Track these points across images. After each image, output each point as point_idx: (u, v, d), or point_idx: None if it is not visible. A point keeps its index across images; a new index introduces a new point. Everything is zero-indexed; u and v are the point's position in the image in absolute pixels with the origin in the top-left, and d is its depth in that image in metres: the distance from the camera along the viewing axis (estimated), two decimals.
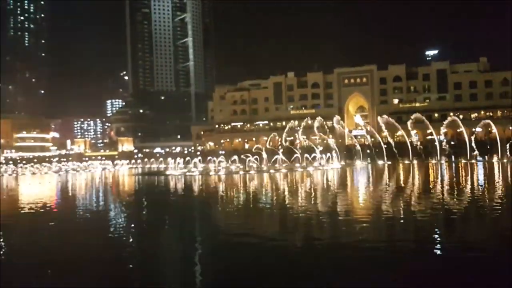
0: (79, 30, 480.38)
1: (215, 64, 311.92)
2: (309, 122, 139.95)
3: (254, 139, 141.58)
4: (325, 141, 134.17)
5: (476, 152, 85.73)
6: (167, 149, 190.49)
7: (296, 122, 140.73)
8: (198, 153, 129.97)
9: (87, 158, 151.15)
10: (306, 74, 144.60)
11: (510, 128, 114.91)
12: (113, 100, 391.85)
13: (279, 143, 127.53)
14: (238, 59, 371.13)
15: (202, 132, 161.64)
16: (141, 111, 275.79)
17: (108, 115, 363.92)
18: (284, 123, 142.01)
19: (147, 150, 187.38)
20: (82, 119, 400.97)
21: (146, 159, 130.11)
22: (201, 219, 27.07)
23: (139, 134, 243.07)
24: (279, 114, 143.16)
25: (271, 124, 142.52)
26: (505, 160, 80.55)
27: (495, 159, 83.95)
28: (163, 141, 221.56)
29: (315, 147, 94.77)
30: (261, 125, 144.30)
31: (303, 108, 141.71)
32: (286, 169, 71.47)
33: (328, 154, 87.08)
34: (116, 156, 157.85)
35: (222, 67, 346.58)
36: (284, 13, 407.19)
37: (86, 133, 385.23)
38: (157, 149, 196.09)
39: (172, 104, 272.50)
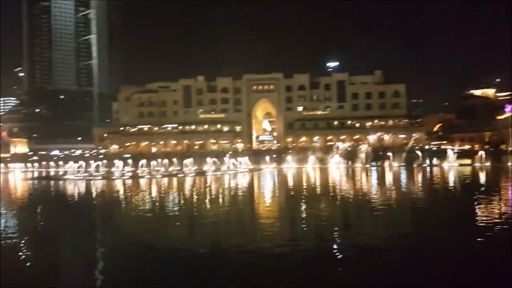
0: None
1: (122, 64, 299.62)
2: (218, 126, 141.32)
3: (162, 142, 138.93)
4: (233, 146, 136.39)
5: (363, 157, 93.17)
6: (66, 152, 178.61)
7: (206, 126, 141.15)
8: (101, 156, 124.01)
9: None
10: (216, 78, 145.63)
11: (400, 136, 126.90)
12: (6, 98, 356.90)
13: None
14: (147, 60, 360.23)
15: (105, 135, 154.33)
16: (37, 110, 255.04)
17: (0, 114, 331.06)
18: (193, 126, 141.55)
19: (44, 153, 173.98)
20: None
21: (42, 162, 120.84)
22: (92, 227, 25.92)
23: (35, 135, 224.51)
24: (188, 117, 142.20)
25: (180, 127, 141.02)
26: (396, 165, 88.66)
27: (386, 164, 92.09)
28: (62, 143, 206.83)
29: (224, 151, 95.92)
30: (169, 128, 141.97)
31: (213, 112, 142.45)
32: (195, 173, 71.32)
33: (238, 159, 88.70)
34: (8, 159, 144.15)
35: (130, 68, 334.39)
36: (197, 17, 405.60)
37: None
38: (55, 152, 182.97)
39: (72, 104, 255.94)
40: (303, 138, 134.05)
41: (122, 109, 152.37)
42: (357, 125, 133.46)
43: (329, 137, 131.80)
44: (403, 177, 63.25)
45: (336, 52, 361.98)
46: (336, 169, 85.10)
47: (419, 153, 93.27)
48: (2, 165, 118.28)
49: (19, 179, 76.25)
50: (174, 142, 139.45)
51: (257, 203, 35.32)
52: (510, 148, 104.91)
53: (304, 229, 23.06)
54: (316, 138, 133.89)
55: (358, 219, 27.03)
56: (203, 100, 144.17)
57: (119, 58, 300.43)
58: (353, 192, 41.42)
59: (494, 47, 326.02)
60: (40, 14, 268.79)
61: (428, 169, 79.94)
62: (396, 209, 29.74)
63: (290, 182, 56.87)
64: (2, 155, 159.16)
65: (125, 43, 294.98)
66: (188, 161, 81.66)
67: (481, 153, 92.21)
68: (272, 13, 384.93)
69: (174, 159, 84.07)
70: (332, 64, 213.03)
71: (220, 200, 36.62)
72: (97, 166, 78.68)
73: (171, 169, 78.91)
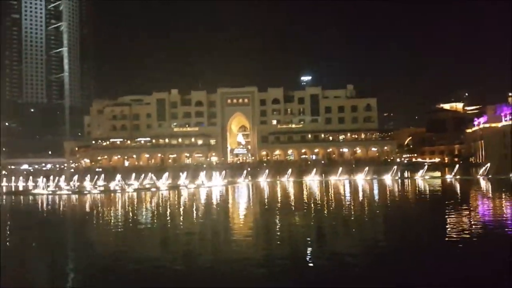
0: None
1: (94, 77, 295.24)
2: (193, 140, 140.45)
3: (134, 156, 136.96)
4: (208, 159, 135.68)
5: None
6: (37, 166, 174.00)
7: (180, 140, 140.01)
8: (72, 170, 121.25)
9: None
10: (190, 92, 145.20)
11: (372, 149, 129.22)
12: None
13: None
14: (120, 73, 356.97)
15: (76, 148, 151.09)
16: (6, 124, 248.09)
17: None
18: (167, 140, 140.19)
19: (13, 167, 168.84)
20: None
21: (11, 177, 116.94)
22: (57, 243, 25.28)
23: (4, 149, 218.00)
24: (162, 131, 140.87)
25: (153, 141, 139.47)
26: (368, 178, 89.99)
27: (359, 177, 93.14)
28: (32, 157, 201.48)
29: (199, 165, 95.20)
30: (142, 141, 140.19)
31: (187, 125, 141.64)
32: (168, 187, 70.50)
33: (212, 172, 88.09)
34: None
35: (102, 81, 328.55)
36: (169, 30, 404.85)
37: None
38: (25, 166, 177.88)
39: (43, 118, 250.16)
40: (278, 152, 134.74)
41: (94, 123, 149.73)
42: (331, 138, 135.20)
43: (303, 150, 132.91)
44: (376, 189, 64.30)
45: (309, 66, 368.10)
46: (312, 181, 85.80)
47: (392, 166, 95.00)
48: None
49: None
50: (147, 156, 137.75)
51: (232, 217, 35.19)
52: (478, 161, 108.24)
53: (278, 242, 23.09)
54: (290, 151, 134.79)
55: (332, 229, 27.29)
56: (177, 114, 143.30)
57: (91, 71, 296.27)
58: (326, 203, 41.84)
59: (463, 61, 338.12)
60: (11, 26, 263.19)
61: (399, 181, 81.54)
62: (369, 220, 30.18)
63: (266, 195, 56.93)
64: None
65: (97, 56, 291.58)
66: (161, 175, 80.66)
67: (457, 166, 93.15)
68: (247, 27, 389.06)
69: (148, 173, 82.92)
70: (305, 78, 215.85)
71: (194, 214, 36.32)
72: (68, 180, 76.77)
73: (144, 183, 77.76)
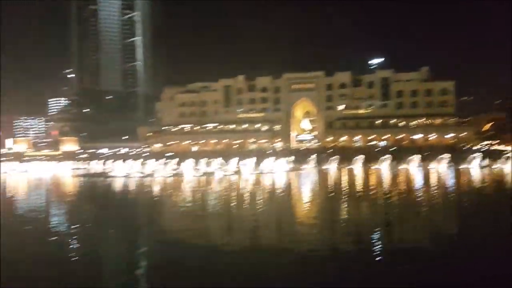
0: (23, 26, 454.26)
1: (165, 65, 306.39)
2: (258, 126, 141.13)
3: (202, 141, 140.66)
4: (272, 145, 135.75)
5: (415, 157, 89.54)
6: (113, 150, 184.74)
7: (245, 125, 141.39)
8: (145, 154, 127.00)
9: (27, 158, 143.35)
10: (255, 78, 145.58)
11: (446, 136, 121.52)
12: (57, 99, 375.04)
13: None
14: (188, 60, 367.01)
15: (149, 134, 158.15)
16: (85, 110, 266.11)
17: (52, 114, 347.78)
18: (232, 126, 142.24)
19: (92, 151, 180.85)
20: (23, 118, 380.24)
21: (90, 160, 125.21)
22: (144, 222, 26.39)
23: (84, 134, 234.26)
24: (228, 117, 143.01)
25: (220, 126, 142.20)
26: (445, 165, 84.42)
27: (432, 165, 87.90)
28: (108, 141, 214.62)
29: (264, 151, 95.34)
30: (209, 127, 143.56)
31: (252, 111, 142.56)
32: (233, 172, 71.30)
33: (277, 158, 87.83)
34: (59, 156, 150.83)
35: (172, 69, 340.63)
36: (235, 17, 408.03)
37: (27, 132, 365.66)
38: (103, 150, 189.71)
39: (118, 104, 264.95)
40: (344, 138, 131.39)
41: (165, 109, 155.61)
42: (401, 124, 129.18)
43: (371, 137, 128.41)
44: (453, 178, 60.22)
45: (380, 49, 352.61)
46: (380, 169, 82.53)
47: (470, 153, 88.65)
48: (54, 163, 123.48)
49: (69, 176, 79.34)
50: (214, 141, 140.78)
51: (296, 205, 34.46)
52: None
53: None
54: (357, 137, 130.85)
55: (401, 219, 25.67)
56: (242, 100, 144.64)
57: (163, 59, 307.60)
58: (397, 193, 39.63)
59: None
60: (88, 17, 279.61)
61: (478, 171, 75.81)
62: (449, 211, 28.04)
63: (331, 183, 55.43)
64: (54, 153, 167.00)
65: (168, 44, 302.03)
66: (227, 160, 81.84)
67: None
68: (313, 11, 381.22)
69: (214, 158, 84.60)
70: (375, 61, 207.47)
71: (259, 200, 36.06)
72: (142, 164, 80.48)
73: (210, 167, 79.35)
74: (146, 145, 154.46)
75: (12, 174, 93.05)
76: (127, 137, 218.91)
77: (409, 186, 47.98)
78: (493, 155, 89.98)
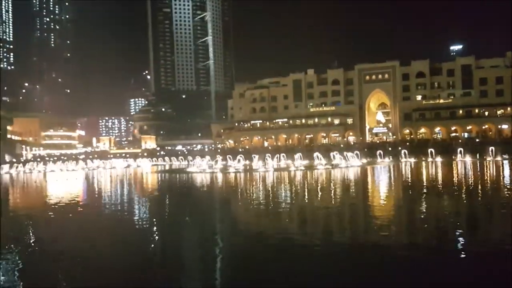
0: (103, 30, 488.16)
1: (235, 62, 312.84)
2: (329, 119, 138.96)
3: (273, 136, 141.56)
4: (345, 139, 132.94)
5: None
6: (188, 147, 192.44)
7: (316, 120, 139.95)
8: (219, 150, 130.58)
9: (111, 155, 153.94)
10: (326, 71, 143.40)
11: None
12: (136, 99, 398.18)
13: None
14: (258, 57, 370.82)
15: (222, 130, 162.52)
16: (163, 109, 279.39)
17: (132, 113, 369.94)
18: (303, 120, 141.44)
19: (169, 148, 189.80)
20: (106, 118, 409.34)
21: (168, 157, 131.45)
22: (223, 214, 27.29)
23: (161, 132, 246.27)
24: (299, 111, 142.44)
25: (290, 121, 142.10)
26: None
27: None
28: (184, 139, 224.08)
29: (336, 145, 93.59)
30: (280, 122, 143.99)
31: (323, 105, 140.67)
32: (305, 167, 70.83)
33: (350, 152, 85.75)
34: (140, 154, 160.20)
35: (242, 65, 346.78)
36: (303, 10, 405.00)
37: (110, 131, 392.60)
38: (179, 147, 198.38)
39: (192, 103, 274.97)
40: (423, 130, 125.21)
41: (236, 106, 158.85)
42: (486, 113, 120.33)
43: (453, 128, 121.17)
44: None
45: (459, 34, 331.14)
46: (464, 162, 77.46)
47: None
48: (133, 160, 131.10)
49: (149, 171, 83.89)
50: (284, 136, 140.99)
51: (373, 200, 33.38)
52: None
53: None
54: (437, 129, 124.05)
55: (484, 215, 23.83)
56: (313, 94, 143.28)
57: (233, 56, 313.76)
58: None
59: None
60: (163, 20, 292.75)
61: None
62: None
63: (410, 177, 53.05)
64: (135, 150, 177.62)
65: (238, 41, 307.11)
66: (298, 155, 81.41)
67: None
68: None
69: (285, 153, 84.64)
70: (455, 48, 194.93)
71: (334, 195, 35.49)
72: (215, 160, 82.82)
73: (282, 162, 79.51)
74: (219, 142, 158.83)
75: (102, 169, 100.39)
76: (200, 134, 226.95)
77: (499, 181, 44.48)
78: None
